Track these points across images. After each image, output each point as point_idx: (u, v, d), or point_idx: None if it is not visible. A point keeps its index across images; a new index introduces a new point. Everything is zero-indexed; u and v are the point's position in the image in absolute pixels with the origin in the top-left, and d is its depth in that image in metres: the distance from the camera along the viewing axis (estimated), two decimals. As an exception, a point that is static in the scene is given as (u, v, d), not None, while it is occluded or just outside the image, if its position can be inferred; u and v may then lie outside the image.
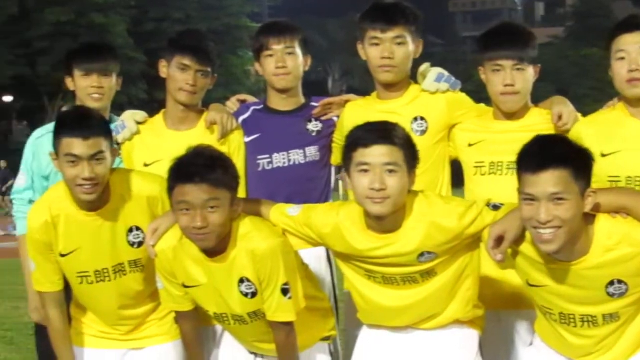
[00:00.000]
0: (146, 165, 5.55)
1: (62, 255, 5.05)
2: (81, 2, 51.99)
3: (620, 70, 5.02)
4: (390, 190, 4.50)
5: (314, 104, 5.83)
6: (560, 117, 5.23)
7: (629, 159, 4.97)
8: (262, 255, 4.71)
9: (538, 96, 5.50)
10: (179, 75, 5.66)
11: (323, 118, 5.77)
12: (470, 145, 5.47)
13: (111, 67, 6.01)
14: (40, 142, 5.88)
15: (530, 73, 5.34)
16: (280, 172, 5.70)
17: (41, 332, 5.70)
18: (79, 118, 5.00)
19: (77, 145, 4.77)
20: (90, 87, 5.87)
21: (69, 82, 6.00)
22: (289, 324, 4.80)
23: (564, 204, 4.16)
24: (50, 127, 5.47)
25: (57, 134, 4.91)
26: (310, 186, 5.61)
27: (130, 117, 5.82)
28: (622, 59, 4.99)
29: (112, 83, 6.00)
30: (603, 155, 4.98)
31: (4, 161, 44.05)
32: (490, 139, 5.34)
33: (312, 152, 5.73)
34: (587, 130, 5.07)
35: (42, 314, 5.48)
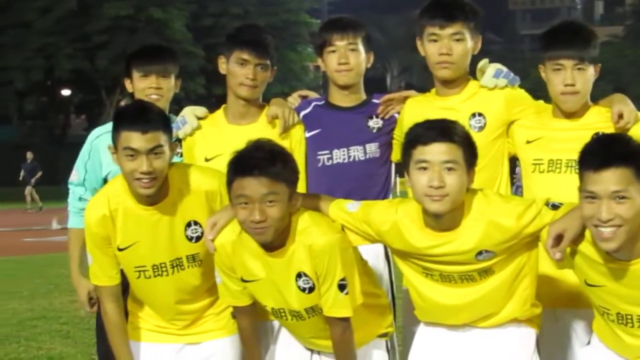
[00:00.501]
0: (207, 159, 5.60)
1: (120, 249, 5.11)
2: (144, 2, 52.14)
3: None
4: (449, 188, 4.51)
5: (375, 100, 5.86)
6: (621, 116, 5.19)
7: None
8: (320, 250, 4.74)
9: (597, 94, 5.47)
10: (239, 69, 5.70)
11: (384, 116, 5.79)
12: (528, 142, 5.46)
13: (170, 69, 6.04)
14: (98, 141, 5.95)
15: (590, 73, 5.32)
16: (340, 168, 5.72)
17: (101, 333, 5.71)
18: (138, 112, 5.02)
19: (135, 139, 4.81)
20: (148, 88, 5.91)
21: (128, 84, 6.03)
22: (345, 320, 4.82)
23: (626, 203, 4.17)
24: (108, 126, 5.53)
25: (116, 128, 4.96)
26: (370, 183, 5.63)
27: (190, 113, 5.88)
28: None
29: (170, 84, 6.04)
30: None
31: (30, 152, 44.09)
32: (549, 137, 5.32)
33: (372, 148, 5.74)
34: None
35: (88, 307, 5.58)
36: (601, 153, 4.29)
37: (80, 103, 54.06)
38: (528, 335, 4.93)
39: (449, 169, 4.54)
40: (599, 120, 5.26)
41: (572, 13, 66.73)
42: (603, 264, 4.40)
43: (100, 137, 5.93)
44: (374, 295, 5.18)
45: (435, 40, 5.55)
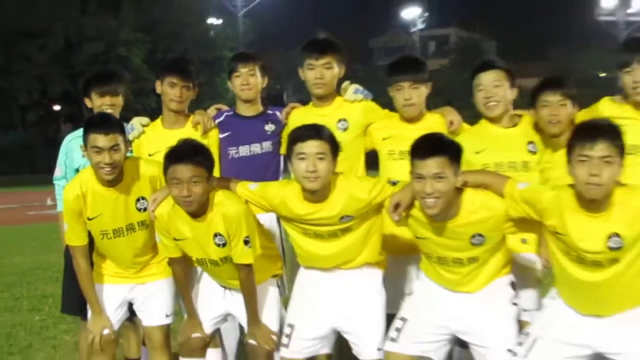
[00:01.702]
0: (150, 154, 5.56)
1: (89, 219, 5.08)
2: (110, 39, 51.72)
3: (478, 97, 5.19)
4: (320, 172, 4.59)
5: (269, 111, 5.88)
6: (451, 123, 5.36)
7: (493, 153, 5.07)
8: (231, 217, 4.77)
9: (433, 106, 5.59)
10: (170, 90, 5.71)
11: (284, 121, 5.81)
12: (384, 139, 5.52)
13: (119, 89, 5.97)
14: (71, 144, 5.86)
15: (423, 90, 5.39)
16: (244, 159, 5.72)
17: (68, 278, 5.76)
18: (101, 120, 5.07)
19: (100, 139, 4.84)
20: (104, 105, 5.84)
21: (87, 101, 5.96)
22: (249, 266, 4.84)
23: (443, 181, 4.28)
24: (77, 133, 5.51)
25: (86, 132, 4.97)
26: (265, 169, 5.63)
27: (137, 121, 5.87)
28: (480, 90, 5.15)
29: (120, 101, 5.97)
30: (477, 152, 5.11)
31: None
32: (398, 135, 5.36)
33: (267, 145, 5.75)
34: (465, 136, 5.18)
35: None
36: (424, 146, 4.40)
37: (67, 115, 53.17)
38: (377, 274, 4.99)
39: (320, 158, 4.61)
40: (433, 124, 5.34)
41: (413, 49, 67.05)
42: (427, 223, 4.51)
43: (72, 140, 5.85)
44: (268, 248, 5.20)
45: (312, 68, 5.58)
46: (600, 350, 4.34)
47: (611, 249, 4.08)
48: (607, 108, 5.00)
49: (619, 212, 4.07)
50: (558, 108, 4.95)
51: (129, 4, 55.12)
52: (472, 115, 5.47)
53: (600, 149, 3.98)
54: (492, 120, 5.22)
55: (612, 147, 4.00)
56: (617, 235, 4.06)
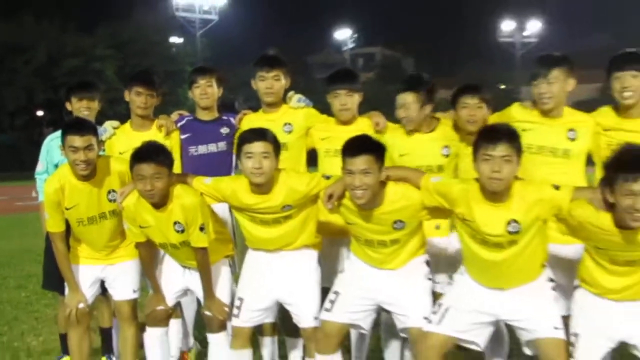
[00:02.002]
0: (120, 153, 5.46)
1: (67, 209, 5.00)
2: (86, 55, 51.34)
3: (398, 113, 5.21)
4: (265, 169, 4.59)
5: (224, 117, 5.82)
6: (377, 124, 5.35)
7: (413, 158, 5.09)
8: (188, 207, 4.74)
9: (361, 112, 5.53)
10: (136, 98, 5.66)
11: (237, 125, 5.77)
12: (322, 139, 5.50)
13: (95, 95, 5.95)
14: (52, 143, 5.79)
15: (356, 98, 5.39)
16: (202, 157, 5.66)
17: (48, 260, 5.69)
18: (77, 123, 5.01)
19: (76, 140, 4.78)
20: (82, 108, 5.82)
21: (68, 105, 5.92)
22: (204, 249, 4.82)
23: (369, 176, 4.30)
24: (57, 134, 5.43)
25: (64, 133, 4.90)
26: (220, 166, 5.57)
27: (109, 125, 5.79)
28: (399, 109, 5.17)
29: (96, 105, 5.93)
30: (401, 155, 5.15)
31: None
32: (334, 136, 5.32)
33: (222, 145, 5.69)
34: (391, 137, 5.20)
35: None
36: (354, 146, 4.41)
37: (50, 120, 52.19)
38: (313, 254, 4.99)
39: (265, 157, 4.60)
40: (363, 126, 5.32)
41: (345, 64, 67.18)
42: (356, 211, 4.52)
43: (52, 140, 5.78)
44: (221, 233, 5.17)
45: (263, 80, 5.56)
46: (501, 318, 4.42)
47: (510, 232, 4.14)
48: (517, 112, 5.02)
49: (517, 202, 4.14)
50: (475, 109, 5.00)
51: (103, 25, 54.96)
52: (392, 122, 5.50)
53: (501, 149, 4.03)
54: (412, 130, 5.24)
55: (511, 148, 4.07)
56: (515, 221, 4.12)
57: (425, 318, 4.51)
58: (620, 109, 4.79)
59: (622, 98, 4.71)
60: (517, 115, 4.98)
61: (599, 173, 4.61)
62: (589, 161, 4.95)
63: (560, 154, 4.80)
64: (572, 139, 4.81)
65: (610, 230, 3.92)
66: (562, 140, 4.81)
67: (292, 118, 5.61)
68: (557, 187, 4.16)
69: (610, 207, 3.88)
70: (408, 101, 5.09)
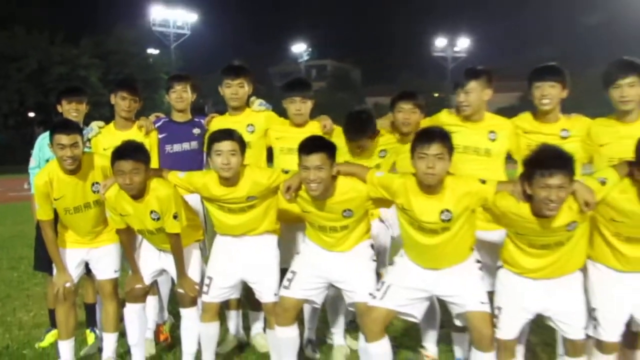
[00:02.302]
0: (105, 149, 5.34)
1: (55, 199, 4.90)
2: (73, 63, 50.58)
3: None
4: (232, 164, 4.56)
5: (196, 119, 5.74)
6: (325, 126, 5.31)
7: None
8: (163, 198, 4.67)
9: (313, 116, 5.50)
10: (121, 102, 5.58)
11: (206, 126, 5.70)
12: (277, 139, 5.45)
13: (83, 99, 5.81)
14: (43, 141, 5.62)
15: (309, 103, 5.36)
16: (177, 155, 5.58)
17: (39, 245, 5.56)
18: (64, 124, 4.90)
19: (63, 139, 4.70)
20: (71, 110, 5.69)
21: (59, 107, 5.77)
22: (177, 234, 4.76)
23: (322, 171, 4.29)
24: (47, 133, 5.23)
25: (52, 132, 4.81)
26: (192, 162, 5.49)
27: (95, 125, 5.69)
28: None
29: (84, 108, 5.81)
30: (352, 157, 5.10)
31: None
32: (289, 136, 5.29)
33: (194, 144, 5.63)
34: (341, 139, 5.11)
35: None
36: (309, 145, 4.40)
37: (40, 121, 51.36)
38: (273, 238, 4.97)
39: (232, 154, 4.56)
40: (314, 128, 5.28)
41: (300, 75, 66.92)
42: (311, 201, 4.51)
43: (44, 139, 5.59)
44: (192, 220, 5.11)
45: (229, 86, 5.51)
46: (435, 294, 4.45)
47: (443, 220, 4.16)
48: (445, 117, 5.03)
49: (449, 194, 4.16)
50: (410, 113, 5.03)
51: (88, 37, 54.33)
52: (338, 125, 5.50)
53: (434, 148, 4.06)
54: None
55: (444, 147, 4.09)
56: (448, 210, 4.14)
57: (370, 294, 4.51)
58: (538, 115, 4.82)
59: (540, 105, 4.73)
60: (445, 119, 4.99)
61: (520, 169, 4.65)
62: (512, 159, 5.00)
63: (483, 153, 4.83)
64: (493, 140, 4.84)
65: (528, 218, 3.96)
66: (483, 141, 4.84)
67: (254, 120, 5.55)
68: (483, 182, 4.19)
69: (529, 198, 3.93)
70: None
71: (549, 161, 3.81)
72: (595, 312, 4.14)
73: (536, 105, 4.78)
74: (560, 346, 4.69)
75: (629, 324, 4.20)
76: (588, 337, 4.17)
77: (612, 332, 4.12)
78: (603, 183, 3.96)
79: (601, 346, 4.15)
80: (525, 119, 4.91)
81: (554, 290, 4.14)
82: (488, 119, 4.94)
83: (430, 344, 5.34)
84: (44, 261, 5.39)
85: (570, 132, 4.71)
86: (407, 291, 4.39)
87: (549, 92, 4.70)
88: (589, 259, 4.21)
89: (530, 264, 4.12)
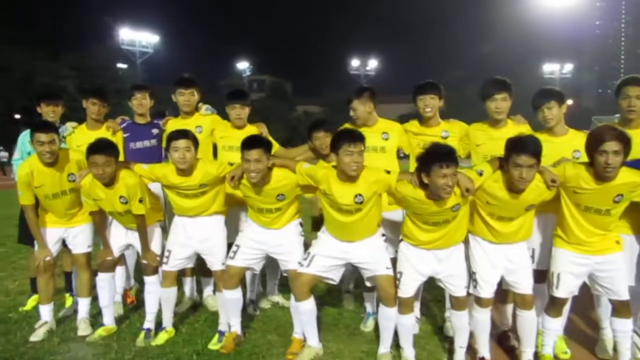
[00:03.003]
0: (78, 146, 5.12)
1: (36, 187, 4.70)
2: (53, 75, 48.52)
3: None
4: (187, 159, 4.48)
5: (155, 121, 5.57)
6: (262, 133, 5.21)
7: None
8: (130, 185, 4.54)
9: (253, 119, 5.46)
10: (92, 107, 5.38)
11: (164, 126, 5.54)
12: (221, 137, 5.34)
13: (59, 102, 5.56)
14: (25, 137, 5.37)
15: (247, 110, 5.28)
16: (139, 150, 5.39)
17: (22, 225, 5.30)
18: (43, 124, 4.71)
19: (42, 136, 4.54)
20: (49, 112, 5.45)
21: (38, 109, 5.51)
22: (142, 215, 4.64)
23: (260, 163, 4.26)
24: (27, 130, 5.09)
25: (33, 132, 4.63)
26: (152, 157, 5.31)
27: (69, 125, 5.46)
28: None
29: (59, 109, 5.55)
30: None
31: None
32: (230, 136, 5.21)
33: (153, 142, 5.46)
34: None
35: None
36: (250, 142, 4.35)
37: (24, 122, 49.18)
38: (221, 218, 4.88)
39: (187, 150, 4.47)
40: (251, 130, 5.20)
41: (243, 87, 65.81)
42: (251, 187, 4.47)
43: (25, 135, 5.35)
44: (154, 204, 4.97)
45: (182, 95, 5.41)
46: (350, 261, 4.45)
47: (356, 202, 4.17)
48: (350, 126, 4.90)
49: (361, 182, 4.18)
50: (323, 138, 4.95)
51: (65, 53, 52.34)
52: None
53: (357, 146, 4.08)
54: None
55: (362, 145, 4.11)
56: (360, 194, 4.16)
57: (299, 263, 4.50)
58: (423, 121, 4.88)
59: (424, 113, 4.80)
60: (350, 127, 5.01)
61: (412, 161, 4.71)
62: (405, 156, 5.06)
63: (379, 150, 4.85)
64: (386, 139, 4.88)
65: (423, 200, 4.01)
66: (378, 140, 4.86)
67: (202, 122, 5.44)
68: (388, 172, 4.23)
69: (423, 185, 3.98)
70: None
71: (445, 156, 3.86)
72: (475, 275, 4.22)
73: (421, 114, 4.86)
74: (447, 301, 4.81)
75: (500, 283, 4.29)
76: (469, 294, 4.25)
77: (487, 290, 4.19)
78: (480, 174, 4.03)
79: (480, 301, 4.22)
80: (413, 124, 4.95)
81: (443, 258, 4.20)
82: (381, 123, 4.95)
83: (273, 294, 5.65)
84: (27, 236, 5.16)
85: (449, 133, 4.79)
86: (327, 259, 4.40)
87: (430, 103, 4.77)
88: (469, 233, 4.27)
89: (424, 237, 4.16)
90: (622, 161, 3.79)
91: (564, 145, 4.30)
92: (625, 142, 3.76)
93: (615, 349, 4.28)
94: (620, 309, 4.11)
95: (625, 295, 4.08)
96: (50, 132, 4.59)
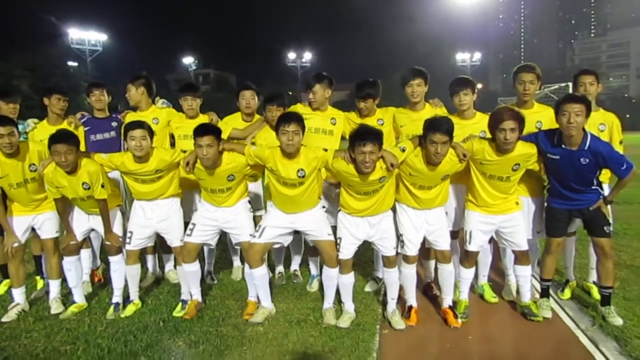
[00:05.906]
0: (40, 140, 4.90)
1: (0, 178, 4.55)
2: (7, 75, 45.17)
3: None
4: (143, 146, 4.43)
5: (113, 115, 5.41)
6: (212, 120, 5.18)
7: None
8: (92, 172, 4.45)
9: (203, 110, 5.36)
10: (56, 102, 5.20)
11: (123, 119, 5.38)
12: (176, 127, 5.25)
13: (17, 100, 5.32)
14: None
15: (198, 101, 5.22)
16: (99, 142, 5.22)
17: None
18: (1, 119, 4.51)
19: (1, 130, 4.41)
20: (9, 109, 5.21)
21: None
22: (104, 200, 4.55)
23: (212, 148, 4.29)
24: None
25: None
26: (111, 147, 5.18)
27: (31, 121, 5.27)
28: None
29: (17, 107, 5.30)
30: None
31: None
32: (184, 126, 5.14)
33: (112, 134, 5.30)
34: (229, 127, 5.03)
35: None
36: (201, 130, 4.34)
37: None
38: (177, 200, 4.82)
39: (143, 139, 4.45)
40: (203, 119, 5.17)
41: (191, 80, 63.71)
42: (204, 170, 4.47)
43: None
44: (115, 190, 4.87)
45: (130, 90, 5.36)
46: (296, 229, 4.54)
47: (299, 177, 4.26)
48: (301, 109, 4.91)
49: (303, 159, 4.26)
50: (274, 111, 4.93)
51: (16, 53, 49.12)
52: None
53: (293, 127, 4.15)
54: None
55: (298, 126, 4.18)
56: (302, 170, 4.25)
57: (251, 235, 4.56)
58: (361, 114, 4.94)
59: (360, 109, 4.90)
60: (301, 110, 5.02)
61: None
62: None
63: (327, 133, 4.92)
64: (334, 124, 4.94)
65: (353, 174, 4.13)
66: (327, 124, 4.93)
67: (158, 114, 5.35)
68: (325, 150, 4.33)
69: (353, 161, 4.10)
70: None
71: (363, 135, 3.99)
72: (402, 237, 4.38)
73: (358, 109, 4.93)
74: (379, 261, 5.00)
75: (424, 243, 4.49)
76: (398, 253, 4.43)
77: (413, 249, 4.38)
78: (403, 150, 4.19)
79: (407, 259, 4.40)
80: (353, 115, 5.02)
81: (375, 224, 4.35)
82: (330, 110, 5.02)
83: (296, 265, 5.58)
84: None
85: (383, 120, 4.91)
86: (276, 229, 4.48)
87: (367, 104, 4.84)
88: (396, 201, 4.43)
89: (357, 206, 4.29)
90: (518, 136, 4.09)
91: (472, 127, 4.50)
92: (520, 121, 4.04)
93: (518, 292, 4.62)
94: (521, 258, 4.43)
95: (524, 246, 4.41)
96: (9, 125, 4.47)
